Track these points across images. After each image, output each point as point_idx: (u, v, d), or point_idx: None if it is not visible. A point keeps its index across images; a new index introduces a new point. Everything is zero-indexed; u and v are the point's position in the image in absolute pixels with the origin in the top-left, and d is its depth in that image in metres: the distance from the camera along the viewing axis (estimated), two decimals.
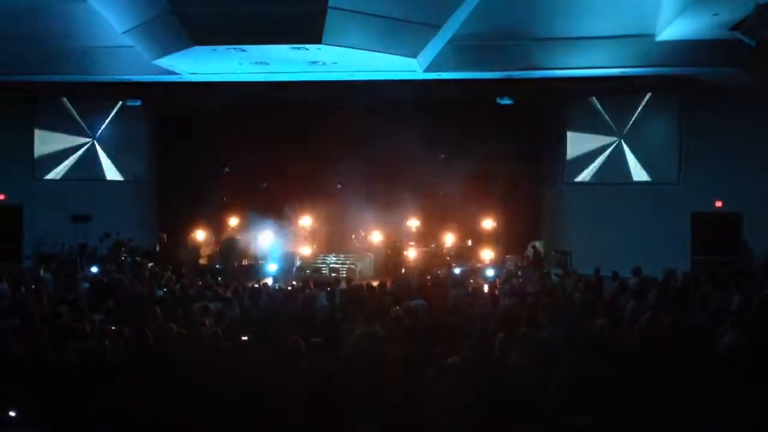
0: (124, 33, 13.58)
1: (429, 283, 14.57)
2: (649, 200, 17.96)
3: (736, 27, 11.41)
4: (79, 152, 20.25)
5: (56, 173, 20.06)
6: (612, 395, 5.79)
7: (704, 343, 8.09)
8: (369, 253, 20.43)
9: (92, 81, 16.75)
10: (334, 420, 5.46)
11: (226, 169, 20.99)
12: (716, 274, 13.67)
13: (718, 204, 17.28)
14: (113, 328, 8.36)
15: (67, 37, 14.66)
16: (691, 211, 17.45)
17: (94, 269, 15.64)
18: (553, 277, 15.13)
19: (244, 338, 7.61)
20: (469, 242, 20.61)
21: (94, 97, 19.47)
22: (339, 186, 20.55)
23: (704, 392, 5.94)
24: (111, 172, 20.48)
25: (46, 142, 20.06)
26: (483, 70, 15.26)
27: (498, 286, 14.51)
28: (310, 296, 11.79)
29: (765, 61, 14.05)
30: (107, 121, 20.55)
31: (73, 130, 20.22)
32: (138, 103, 19.54)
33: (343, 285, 13.18)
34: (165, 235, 21.07)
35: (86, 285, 13.30)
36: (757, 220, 16.38)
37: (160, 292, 12.41)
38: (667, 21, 12.81)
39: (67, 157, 20.16)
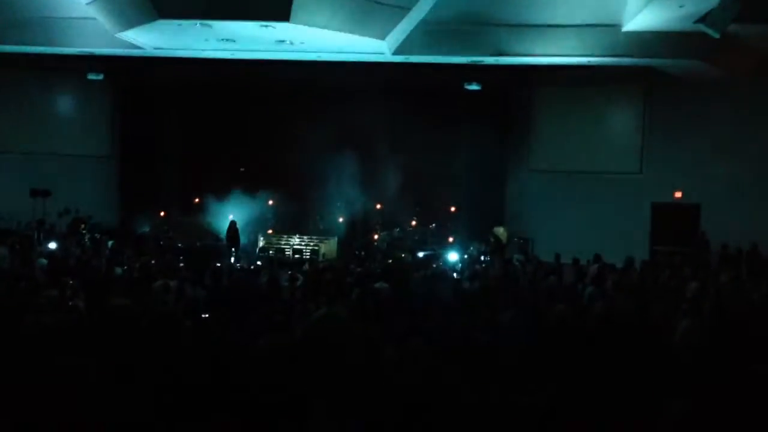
0: (87, 4, 13.31)
1: (392, 266, 14.61)
2: (611, 189, 18.22)
3: (700, 19, 11.57)
4: (39, 125, 19.79)
5: (15, 146, 19.58)
6: (569, 376, 5.88)
7: (660, 329, 8.26)
8: (333, 235, 20.39)
9: (54, 53, 16.36)
10: (294, 398, 5.44)
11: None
12: (674, 262, 13.97)
13: (678, 195, 17.59)
14: (70, 303, 8.23)
15: (29, 7, 14.30)
16: (651, 201, 17.74)
17: (52, 245, 15.35)
18: (515, 263, 15.26)
19: (205, 316, 7.57)
20: (433, 226, 20.69)
21: (56, 69, 19.03)
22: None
23: (660, 375, 6.06)
24: (72, 147, 20.05)
25: (4, 114, 19.58)
26: (451, 54, 15.25)
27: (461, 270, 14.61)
28: (272, 277, 11.74)
29: (728, 54, 14.31)
30: (69, 95, 20.14)
31: (33, 102, 19.76)
32: (101, 77, 19.17)
33: (306, 266, 13.15)
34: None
35: (43, 261, 13.06)
36: (714, 212, 16.72)
37: (119, 270, 12.25)
38: (633, 12, 12.93)
39: (26, 130, 19.69)
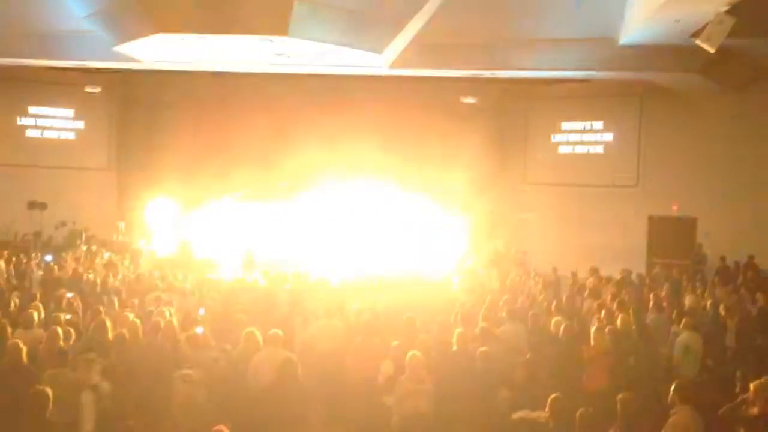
0: (85, 17, 13.33)
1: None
2: (608, 203, 18.22)
3: (696, 34, 11.63)
4: (37, 138, 19.80)
5: (12, 158, 19.53)
6: (568, 389, 5.88)
7: (657, 341, 8.25)
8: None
9: (52, 66, 16.39)
10: (292, 408, 5.43)
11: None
12: (671, 275, 13.98)
13: (674, 208, 17.60)
14: (66, 316, 8.19)
15: (28, 20, 14.32)
16: (648, 214, 17.76)
17: (49, 257, 15.31)
18: (513, 275, 15.23)
19: (198, 329, 7.52)
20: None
21: (54, 82, 19.05)
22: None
23: (659, 385, 6.06)
24: (69, 160, 20.05)
25: (2, 127, 19.57)
26: (447, 68, 15.31)
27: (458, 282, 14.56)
28: (270, 290, 11.72)
29: (723, 68, 14.38)
30: (66, 107, 20.14)
31: (31, 115, 19.76)
32: (98, 90, 19.21)
33: (304, 280, 13.10)
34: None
35: (39, 273, 13.05)
36: (710, 225, 16.72)
37: (115, 282, 12.21)
38: (630, 26, 13.00)
39: (23, 143, 19.68)
